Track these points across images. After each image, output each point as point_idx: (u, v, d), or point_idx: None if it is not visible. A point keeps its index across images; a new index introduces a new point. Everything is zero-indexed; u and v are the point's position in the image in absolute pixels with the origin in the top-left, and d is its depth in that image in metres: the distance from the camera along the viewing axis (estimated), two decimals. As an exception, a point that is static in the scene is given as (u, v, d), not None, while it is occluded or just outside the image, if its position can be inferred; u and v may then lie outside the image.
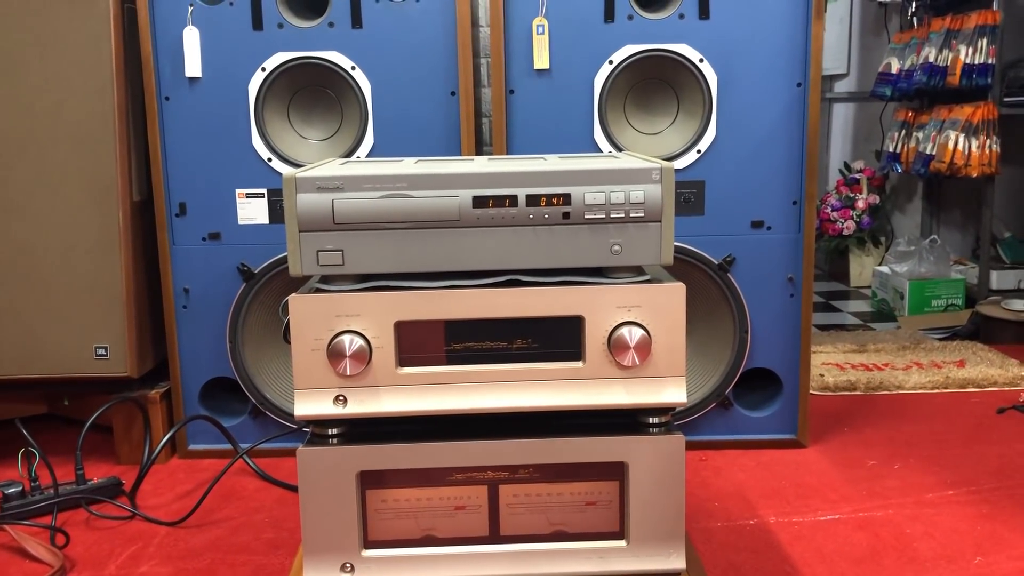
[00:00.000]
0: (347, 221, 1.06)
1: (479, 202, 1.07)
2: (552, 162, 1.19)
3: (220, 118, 1.74)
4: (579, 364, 1.09)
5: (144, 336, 1.79)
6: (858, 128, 4.01)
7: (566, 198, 1.07)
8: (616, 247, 1.08)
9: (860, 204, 3.65)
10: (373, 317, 1.07)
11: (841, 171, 3.88)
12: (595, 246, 1.08)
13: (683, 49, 1.71)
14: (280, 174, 1.75)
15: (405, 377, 1.08)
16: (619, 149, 1.74)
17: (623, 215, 1.07)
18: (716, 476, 1.73)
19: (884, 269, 3.30)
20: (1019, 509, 1.56)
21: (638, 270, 1.12)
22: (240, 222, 1.77)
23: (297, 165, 1.74)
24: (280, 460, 1.80)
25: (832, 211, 3.67)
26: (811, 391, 1.97)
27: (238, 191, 1.77)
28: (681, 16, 1.70)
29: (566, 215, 1.08)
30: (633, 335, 1.07)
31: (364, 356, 1.06)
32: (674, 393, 1.09)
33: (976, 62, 2.88)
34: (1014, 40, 2.99)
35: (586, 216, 1.07)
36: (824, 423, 2.00)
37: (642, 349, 1.07)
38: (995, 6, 2.87)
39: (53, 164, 1.70)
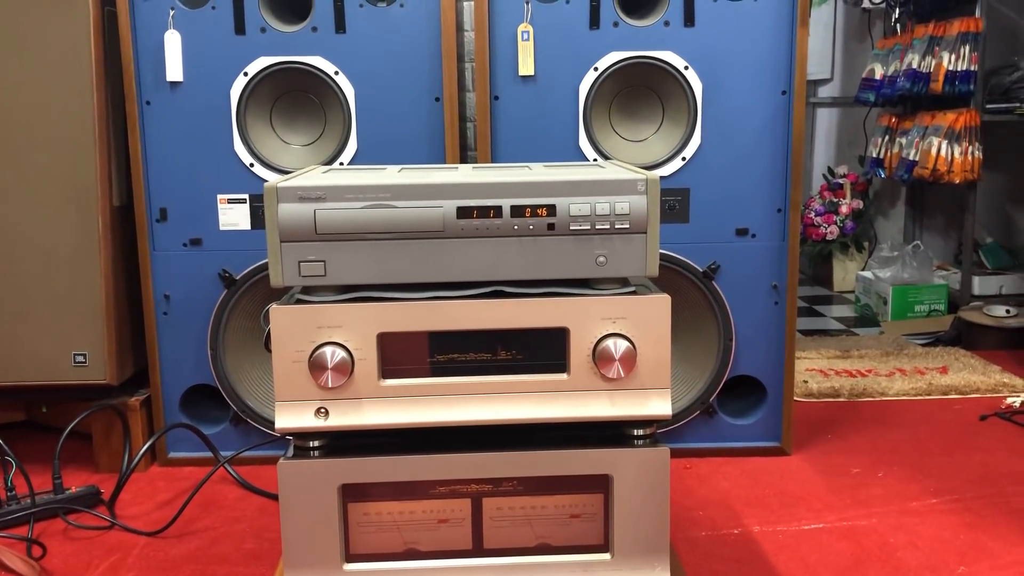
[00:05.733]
0: (329, 231, 1.05)
1: (463, 212, 1.06)
2: (537, 171, 1.19)
3: (202, 123, 1.72)
4: (564, 376, 1.08)
5: (124, 343, 1.77)
6: (842, 133, 4.03)
7: (551, 209, 1.06)
8: (601, 258, 1.08)
9: (843, 209, 3.66)
10: (355, 328, 1.06)
11: (825, 176, 3.89)
12: (580, 257, 1.08)
13: (668, 56, 1.71)
14: (262, 180, 1.73)
15: (388, 389, 1.07)
16: (604, 156, 1.73)
17: (608, 226, 1.07)
18: (700, 484, 1.72)
19: (867, 274, 3.31)
20: (1002, 518, 1.56)
21: (623, 281, 1.11)
22: (221, 228, 1.76)
23: (279, 171, 1.73)
24: (261, 468, 1.78)
25: (816, 216, 3.68)
26: (795, 398, 1.97)
27: (219, 196, 1.75)
28: (666, 23, 1.70)
29: (551, 226, 1.07)
30: (618, 347, 1.06)
31: (346, 368, 1.05)
32: (659, 405, 1.09)
33: (959, 69, 2.90)
34: (996, 47, 3.01)
35: (571, 227, 1.07)
36: (808, 430, 2.00)
37: (627, 361, 1.06)
38: (977, 13, 2.89)
39: (32, 168, 1.67)
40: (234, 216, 1.75)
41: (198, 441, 1.78)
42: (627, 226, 1.07)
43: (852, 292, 3.56)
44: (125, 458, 1.76)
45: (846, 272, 3.71)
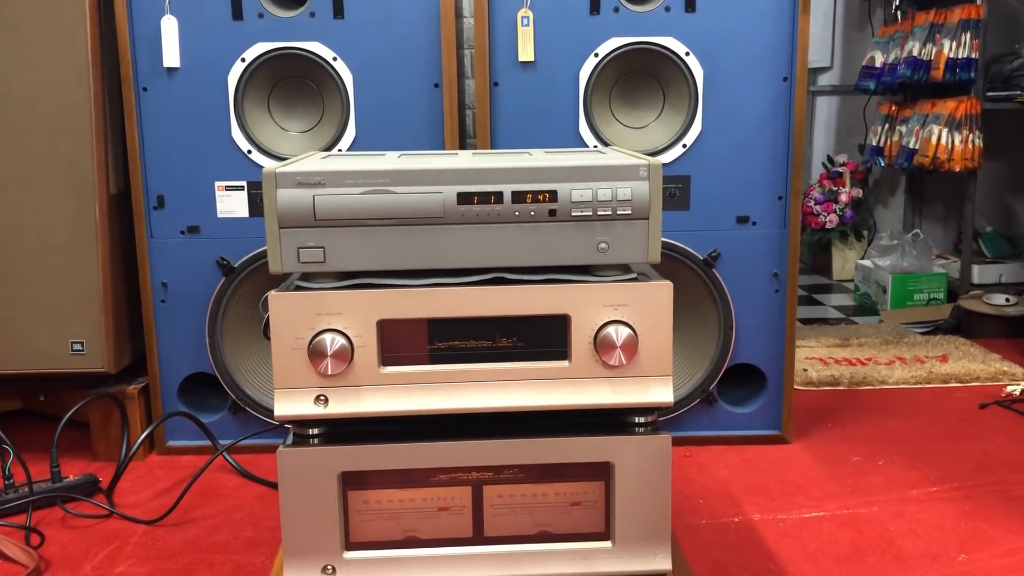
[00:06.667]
0: (329, 217, 1.04)
1: (464, 198, 1.05)
2: (538, 157, 1.18)
3: (199, 109, 1.71)
4: (565, 363, 1.07)
5: (121, 331, 1.76)
6: (841, 121, 4.01)
7: (552, 195, 1.05)
8: (603, 245, 1.07)
9: (843, 198, 3.65)
10: (355, 315, 1.05)
11: (824, 164, 3.88)
12: (581, 244, 1.07)
13: (669, 42, 1.70)
14: (260, 166, 1.72)
15: (388, 376, 1.06)
16: (604, 143, 1.72)
17: (610, 212, 1.06)
18: (700, 472, 1.72)
19: (867, 263, 3.30)
20: (1002, 506, 1.56)
21: (625, 268, 1.10)
22: (219, 215, 1.75)
23: (277, 157, 1.72)
24: (260, 456, 1.78)
25: (815, 204, 3.67)
26: (795, 386, 1.96)
27: (217, 184, 1.74)
28: (667, 9, 1.69)
29: (552, 212, 1.06)
30: (620, 334, 1.05)
31: (346, 355, 1.04)
32: (660, 393, 1.08)
33: (959, 56, 2.88)
34: (997, 35, 3.00)
35: (572, 213, 1.06)
36: (808, 418, 1.99)
37: (628, 348, 1.05)
38: (978, 1, 2.87)
39: (28, 156, 1.66)
40: (232, 203, 1.74)
41: (196, 429, 1.78)
42: (629, 212, 1.06)
43: (851, 281, 3.56)
44: (123, 446, 1.75)
45: (845, 261, 3.70)
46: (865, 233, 3.73)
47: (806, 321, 2.95)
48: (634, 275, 1.09)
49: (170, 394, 1.81)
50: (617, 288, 1.06)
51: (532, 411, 1.08)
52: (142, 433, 1.74)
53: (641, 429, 1.10)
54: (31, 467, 1.58)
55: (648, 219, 1.07)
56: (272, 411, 1.76)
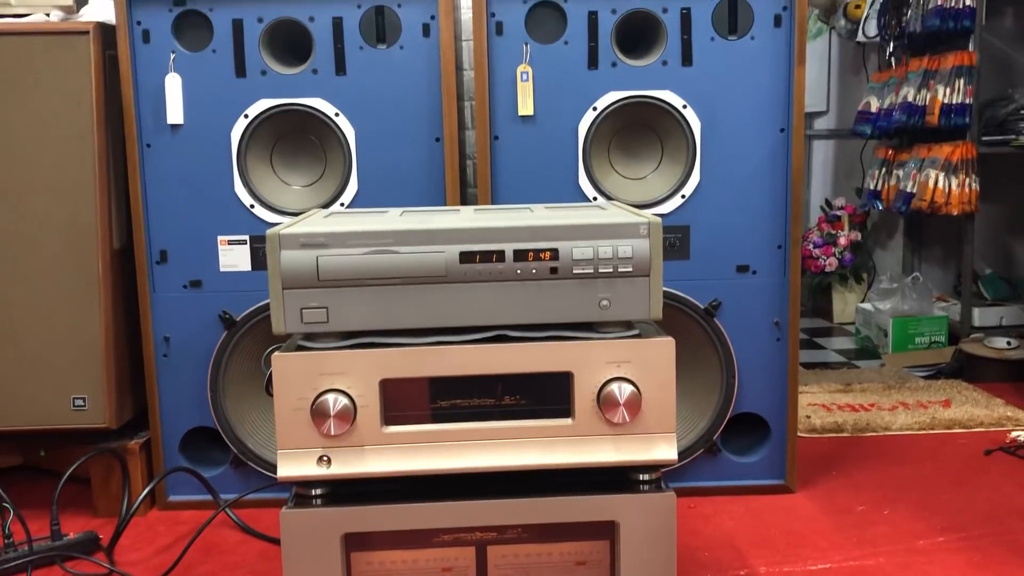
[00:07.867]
0: (332, 278, 1.05)
1: (466, 257, 1.06)
2: (539, 214, 1.19)
3: (202, 165, 1.72)
4: (568, 421, 1.07)
5: (123, 386, 1.76)
6: (838, 165, 4.04)
7: (554, 253, 1.06)
8: (604, 302, 1.07)
9: (842, 241, 3.67)
10: (358, 375, 1.05)
11: (822, 208, 3.90)
12: (583, 301, 1.07)
13: (666, 95, 1.72)
14: (263, 221, 1.73)
15: (391, 436, 1.06)
16: (604, 195, 1.73)
17: (611, 270, 1.07)
18: (705, 524, 1.71)
19: (867, 306, 3.30)
20: (1010, 556, 1.54)
21: (627, 325, 1.10)
22: (222, 269, 1.75)
23: (280, 212, 1.73)
24: (262, 511, 1.77)
25: (814, 248, 3.69)
26: (798, 433, 1.95)
27: (220, 238, 1.75)
28: (664, 63, 1.71)
29: (554, 270, 1.07)
30: (623, 391, 1.05)
31: (349, 415, 1.04)
32: (665, 450, 1.08)
33: (954, 102, 2.91)
34: (990, 80, 3.03)
35: (574, 271, 1.06)
36: (812, 467, 1.98)
37: (632, 406, 1.05)
38: (971, 47, 2.91)
39: (32, 211, 1.67)
40: (234, 257, 1.75)
41: (198, 484, 1.77)
42: (630, 269, 1.07)
43: (852, 324, 3.56)
44: (124, 503, 1.74)
45: (846, 304, 3.71)
46: (865, 276, 3.73)
47: (808, 365, 2.95)
48: (636, 331, 1.10)
49: (171, 449, 1.80)
50: (620, 345, 1.07)
51: (536, 469, 1.08)
52: (143, 489, 1.73)
53: (645, 486, 1.10)
54: (31, 523, 1.57)
55: (649, 276, 1.07)
56: (274, 465, 1.75)
